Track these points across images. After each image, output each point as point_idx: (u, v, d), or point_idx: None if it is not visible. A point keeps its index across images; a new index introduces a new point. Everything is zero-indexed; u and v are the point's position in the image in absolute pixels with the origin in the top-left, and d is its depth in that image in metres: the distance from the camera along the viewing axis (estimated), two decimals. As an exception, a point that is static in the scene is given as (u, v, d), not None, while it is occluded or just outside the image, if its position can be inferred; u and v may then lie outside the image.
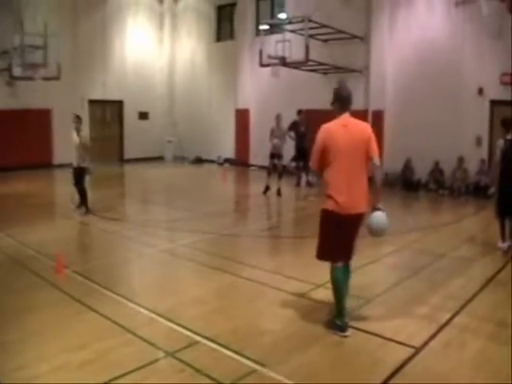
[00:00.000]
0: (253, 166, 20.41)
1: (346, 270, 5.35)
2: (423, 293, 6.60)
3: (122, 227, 10.26)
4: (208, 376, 4.34)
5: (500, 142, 8.57)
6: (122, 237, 9.53)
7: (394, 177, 16.12)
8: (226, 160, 21.63)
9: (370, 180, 5.23)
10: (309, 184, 15.65)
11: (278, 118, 14.26)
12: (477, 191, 14.37)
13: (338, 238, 5.11)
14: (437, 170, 15.44)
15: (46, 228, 10.17)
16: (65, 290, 6.43)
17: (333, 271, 5.23)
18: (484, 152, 14.83)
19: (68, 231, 10.13)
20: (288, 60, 15.53)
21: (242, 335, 5.21)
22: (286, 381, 4.32)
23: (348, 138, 5.03)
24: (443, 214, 12.83)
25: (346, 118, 5.16)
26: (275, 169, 14.34)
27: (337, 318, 5.23)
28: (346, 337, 5.09)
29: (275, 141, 14.19)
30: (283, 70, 16.75)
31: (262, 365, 4.54)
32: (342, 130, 5.07)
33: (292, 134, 15.50)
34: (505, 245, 8.62)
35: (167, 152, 23.11)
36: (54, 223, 10.96)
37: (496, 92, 14.42)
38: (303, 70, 16.94)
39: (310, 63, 15.69)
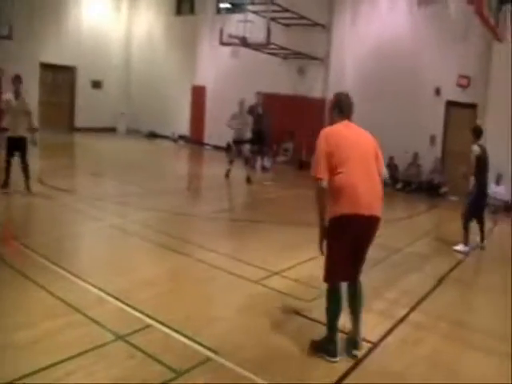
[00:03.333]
0: (207, 145, 20.14)
1: (355, 289, 4.71)
2: (379, 287, 6.57)
3: (72, 199, 9.89)
4: (160, 362, 4.17)
5: (475, 148, 8.68)
6: (72, 210, 9.17)
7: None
8: (181, 137, 21.24)
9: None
10: (264, 168, 15.56)
11: (242, 103, 13.90)
12: (430, 189, 14.61)
13: (351, 248, 4.41)
14: (392, 165, 15.57)
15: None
16: (12, 265, 6.09)
17: (335, 291, 4.51)
18: (438, 151, 15.08)
19: (15, 202, 9.65)
20: (249, 41, 15.30)
21: (194, 321, 5.05)
22: (239, 369, 4.20)
23: (355, 137, 4.53)
24: (397, 209, 12.96)
25: (346, 122, 4.63)
26: (240, 155, 14.15)
27: (326, 341, 4.56)
28: (335, 362, 4.47)
29: (239, 126, 13.88)
30: (243, 51, 16.54)
31: (215, 352, 4.41)
32: (346, 130, 4.56)
33: (250, 118, 15.27)
34: (466, 248, 8.72)
35: (120, 124, 22.51)
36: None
37: (452, 93, 14.65)
38: (263, 52, 16.79)
39: (271, 46, 15.54)
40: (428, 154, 15.02)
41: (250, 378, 4.11)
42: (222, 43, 16.30)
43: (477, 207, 8.74)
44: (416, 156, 15.14)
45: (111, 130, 22.11)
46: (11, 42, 16.98)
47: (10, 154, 9.70)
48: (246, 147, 14.27)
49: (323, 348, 4.54)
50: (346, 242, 4.35)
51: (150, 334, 4.68)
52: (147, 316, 4.98)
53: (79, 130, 21.06)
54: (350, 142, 4.44)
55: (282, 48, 16.11)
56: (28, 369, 3.89)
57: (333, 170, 4.32)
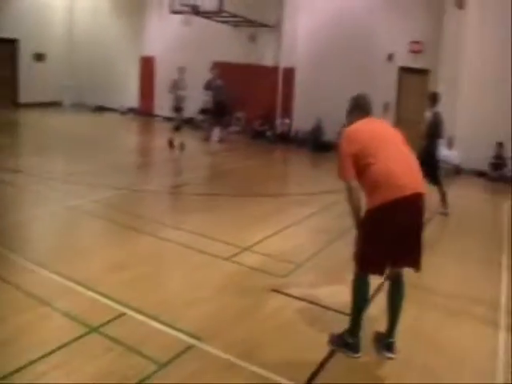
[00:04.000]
0: (158, 116, 19.60)
1: (398, 286, 4.31)
2: (351, 257, 6.52)
3: (23, 180, 9.34)
4: (140, 354, 3.95)
5: (427, 115, 8.72)
6: (25, 191, 8.62)
7: (304, 136, 16.12)
8: (130, 109, 20.57)
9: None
10: (221, 140, 15.28)
11: (182, 70, 13.77)
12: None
13: (393, 238, 3.99)
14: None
15: None
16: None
17: (362, 283, 4.23)
18: (391, 117, 15.10)
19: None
20: (200, 9, 14.82)
21: (170, 305, 4.83)
22: (225, 355, 4.03)
23: (379, 128, 4.32)
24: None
25: (367, 119, 4.41)
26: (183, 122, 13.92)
27: (348, 335, 4.28)
28: (357, 358, 4.22)
29: (181, 93, 13.62)
30: (193, 20, 16.04)
31: (198, 338, 4.22)
32: (368, 124, 4.33)
33: (209, 92, 14.97)
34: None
35: (66, 98, 21.55)
36: None
37: (405, 59, 14.68)
38: (214, 20, 16.31)
39: (223, 14, 15.10)
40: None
41: (240, 364, 3.94)
42: (173, 11, 15.69)
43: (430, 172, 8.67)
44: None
45: (56, 105, 21.14)
46: None
47: None
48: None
49: (344, 342, 4.27)
50: (386, 233, 3.97)
51: (126, 323, 4.44)
52: (120, 303, 4.73)
53: (23, 105, 20.03)
54: (375, 134, 4.21)
55: (234, 15, 15.64)
56: (2, 369, 3.61)
57: (364, 165, 4.04)
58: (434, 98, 8.99)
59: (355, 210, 4.15)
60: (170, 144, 13.37)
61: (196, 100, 15.40)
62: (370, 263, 4.09)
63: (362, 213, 4.10)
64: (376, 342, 4.41)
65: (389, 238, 3.98)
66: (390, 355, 4.24)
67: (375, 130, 4.27)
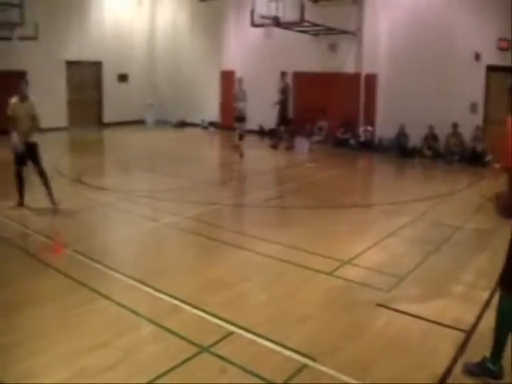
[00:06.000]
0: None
1: None
2: (453, 269, 6.29)
3: (114, 198, 9.52)
4: (255, 375, 3.84)
5: None
6: (119, 209, 8.84)
7: (388, 143, 15.73)
8: (211, 123, 20.86)
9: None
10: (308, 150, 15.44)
11: (240, 81, 14.25)
12: (473, 159, 14.05)
13: None
14: (431, 136, 15.06)
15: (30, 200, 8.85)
16: (67, 274, 5.76)
17: (507, 303, 3.82)
18: (479, 118, 14.50)
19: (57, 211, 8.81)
20: (281, 20, 14.79)
21: (278, 323, 4.72)
22: (342, 376, 3.87)
23: None
24: (445, 183, 12.45)
25: None
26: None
27: (490, 361, 3.90)
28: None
29: (241, 104, 14.18)
30: (274, 31, 16.02)
31: (310, 358, 4.08)
32: None
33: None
34: None
35: (148, 116, 22.18)
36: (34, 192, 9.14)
37: (493, 57, 14.04)
38: (294, 30, 16.22)
39: (303, 24, 15.02)
40: (469, 123, 14.39)
41: (357, 385, 3.78)
42: (254, 24, 15.76)
43: None
44: (456, 126, 14.55)
45: (140, 123, 21.78)
46: (36, 42, 16.65)
47: (19, 163, 8.60)
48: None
49: (486, 369, 3.91)
50: None
51: (235, 342, 4.37)
52: (227, 322, 4.67)
53: (108, 125, 20.81)
54: None
55: (314, 25, 15.50)
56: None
57: None
58: None
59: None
60: (240, 154, 14.03)
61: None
62: None
63: None
64: None
65: None
66: (501, 382, 3.89)
67: None
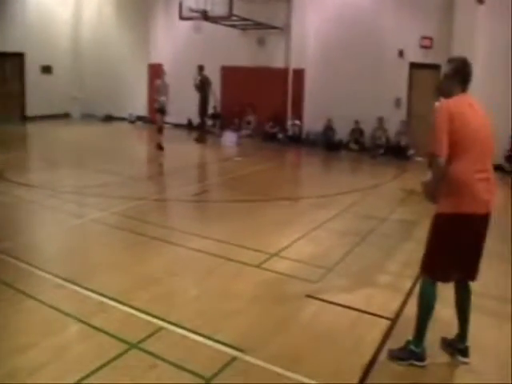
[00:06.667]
0: (166, 123, 19.49)
1: (466, 290, 4.17)
2: (379, 259, 6.51)
3: (40, 195, 9.19)
4: (185, 369, 3.85)
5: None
6: (46, 206, 8.48)
7: (315, 137, 16.03)
8: (139, 118, 20.51)
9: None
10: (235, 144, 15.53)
11: (163, 73, 14.20)
12: (397, 152, 14.55)
13: (462, 248, 3.93)
14: (357, 130, 15.47)
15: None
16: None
17: (428, 287, 4.03)
18: (403, 113, 15.01)
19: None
20: (209, 14, 14.75)
21: (208, 317, 4.73)
22: (271, 367, 3.93)
23: (480, 121, 3.88)
24: (370, 176, 12.81)
25: (468, 98, 3.95)
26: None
27: (413, 343, 4.09)
28: (423, 366, 4.07)
29: (163, 98, 14.07)
30: (203, 25, 15.98)
31: (240, 350, 4.12)
32: (471, 110, 3.87)
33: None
34: None
35: (74, 109, 21.54)
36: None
37: (416, 55, 14.59)
38: (222, 25, 16.22)
39: (232, 18, 15.04)
40: (393, 117, 14.91)
41: (288, 375, 3.84)
42: (182, 18, 15.61)
43: None
44: (381, 120, 15.03)
45: (65, 117, 21.14)
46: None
47: None
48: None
49: (410, 352, 4.08)
50: (457, 243, 3.88)
51: (165, 337, 4.34)
52: (156, 317, 4.63)
53: (31, 118, 20.03)
54: (475, 127, 3.81)
55: (243, 19, 15.55)
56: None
57: (452, 154, 3.75)
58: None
59: (435, 185, 3.88)
60: (159, 147, 13.70)
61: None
62: (442, 271, 3.99)
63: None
64: (447, 347, 4.30)
65: (464, 249, 3.93)
66: (465, 360, 4.15)
67: (476, 122, 3.84)
